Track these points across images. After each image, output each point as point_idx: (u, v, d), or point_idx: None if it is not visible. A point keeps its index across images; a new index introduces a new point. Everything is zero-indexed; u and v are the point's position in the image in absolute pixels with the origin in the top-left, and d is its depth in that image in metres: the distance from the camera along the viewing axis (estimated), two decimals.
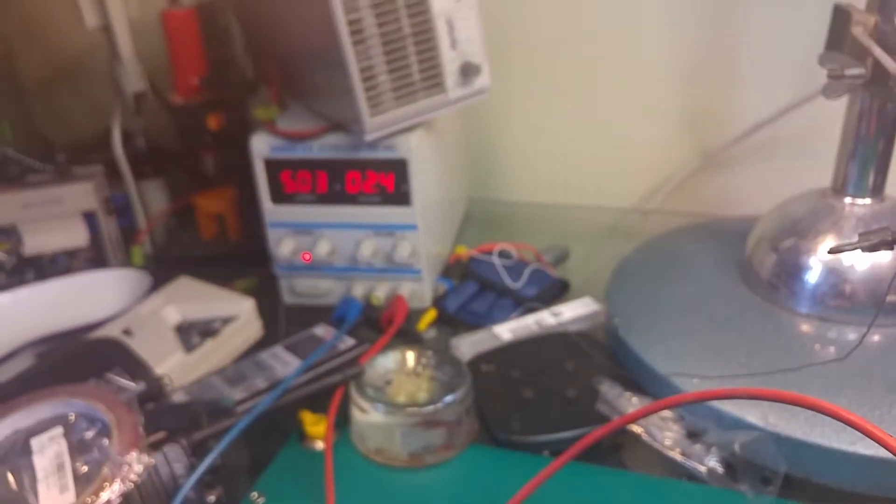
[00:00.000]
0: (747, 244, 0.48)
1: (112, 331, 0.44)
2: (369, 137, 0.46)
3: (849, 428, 0.35)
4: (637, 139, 0.67)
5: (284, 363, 0.42)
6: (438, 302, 0.53)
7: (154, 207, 0.68)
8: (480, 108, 0.51)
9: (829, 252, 0.38)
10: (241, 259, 0.60)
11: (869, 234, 0.32)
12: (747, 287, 0.46)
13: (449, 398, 0.38)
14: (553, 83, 0.67)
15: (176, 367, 0.42)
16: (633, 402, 0.40)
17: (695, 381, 0.39)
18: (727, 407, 0.37)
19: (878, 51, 0.35)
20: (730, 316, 0.44)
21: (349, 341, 0.44)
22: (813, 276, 0.42)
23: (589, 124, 0.68)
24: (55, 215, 0.56)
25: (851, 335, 0.41)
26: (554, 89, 0.68)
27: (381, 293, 0.52)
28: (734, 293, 0.46)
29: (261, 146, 0.50)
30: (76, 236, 0.57)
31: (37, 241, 0.56)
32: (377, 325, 0.50)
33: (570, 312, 0.50)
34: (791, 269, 0.43)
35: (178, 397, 0.39)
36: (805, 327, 0.42)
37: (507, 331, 0.48)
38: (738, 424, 0.37)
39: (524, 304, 0.51)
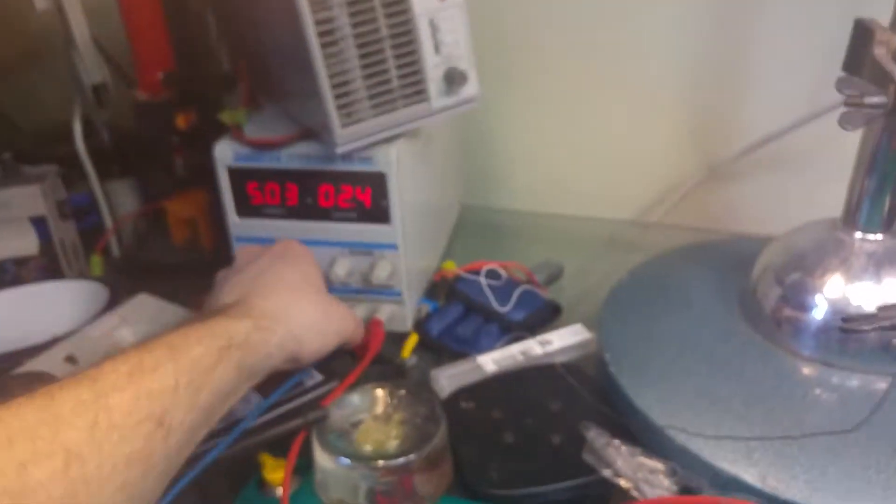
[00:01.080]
0: (752, 274, 0.44)
1: (54, 357, 0.40)
2: (341, 150, 0.42)
3: (853, 492, 0.32)
4: (639, 148, 0.63)
5: (244, 400, 0.39)
6: (421, 325, 0.49)
7: (123, 209, 0.64)
8: (475, 111, 0.48)
9: (842, 327, 0.35)
10: (213, 268, 0.56)
11: (890, 308, 0.29)
12: (748, 323, 0.43)
13: (419, 451, 0.34)
14: (552, 87, 0.63)
15: None
16: (621, 452, 0.37)
17: (697, 439, 0.35)
18: (723, 463, 0.34)
19: None
20: (728, 356, 0.40)
21: (317, 376, 0.40)
22: (818, 317, 0.39)
23: (589, 131, 0.64)
24: (1, 220, 0.52)
25: (856, 382, 0.38)
26: (553, 93, 0.64)
27: (358, 315, 0.48)
28: (734, 329, 0.42)
29: (225, 154, 0.46)
30: (24, 244, 0.53)
31: None
32: (352, 350, 0.47)
33: (560, 342, 0.46)
34: (795, 307, 0.40)
35: None
36: (807, 371, 0.39)
37: (490, 361, 0.45)
38: (734, 483, 0.34)
39: (512, 331, 0.48)
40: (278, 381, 0.40)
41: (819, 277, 0.39)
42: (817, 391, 0.38)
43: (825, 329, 0.39)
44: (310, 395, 0.39)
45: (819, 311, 0.39)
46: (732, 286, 0.46)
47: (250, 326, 0.34)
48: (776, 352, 0.40)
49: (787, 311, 0.40)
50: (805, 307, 0.39)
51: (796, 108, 0.55)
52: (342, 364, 0.43)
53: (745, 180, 0.61)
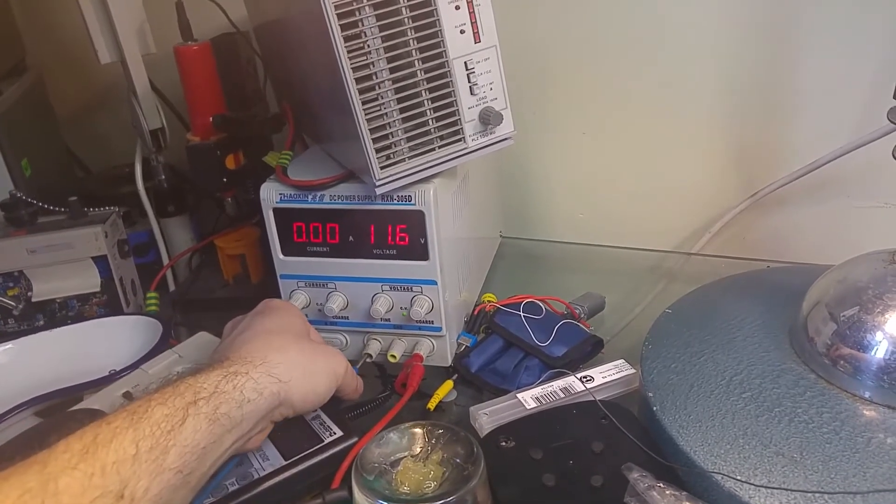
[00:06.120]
0: (802, 307, 0.42)
1: (112, 394, 0.42)
2: (380, 190, 0.43)
3: None
4: (680, 177, 0.62)
5: (263, 457, 0.39)
6: (460, 359, 0.49)
7: (178, 245, 0.67)
8: (513, 144, 0.48)
9: None
10: (259, 302, 0.58)
11: None
12: (800, 360, 0.41)
13: (457, 495, 0.34)
14: (591, 117, 0.63)
15: None
16: (665, 496, 0.36)
17: (747, 487, 0.34)
18: None
19: None
20: (779, 396, 0.39)
21: (336, 431, 0.40)
22: (879, 356, 0.37)
23: (629, 161, 0.63)
24: (65, 259, 0.55)
25: None
26: (592, 123, 0.63)
27: (398, 350, 0.49)
28: (785, 367, 0.41)
29: (270, 195, 0.47)
30: (87, 282, 0.56)
31: (46, 287, 0.55)
32: (392, 385, 0.47)
33: (602, 378, 0.45)
34: (853, 345, 0.38)
35: None
36: (869, 415, 0.37)
37: (530, 398, 0.44)
38: None
39: (553, 366, 0.47)
40: (301, 435, 0.40)
41: (880, 314, 0.37)
42: (882, 438, 0.35)
43: (887, 369, 0.37)
44: (329, 452, 0.39)
45: (880, 349, 0.37)
46: (779, 320, 0.44)
47: (219, 376, 0.34)
48: (832, 392, 0.38)
49: (844, 350, 0.38)
50: (864, 345, 0.38)
51: (844, 132, 0.53)
52: (361, 418, 0.44)
53: (790, 209, 0.59)
